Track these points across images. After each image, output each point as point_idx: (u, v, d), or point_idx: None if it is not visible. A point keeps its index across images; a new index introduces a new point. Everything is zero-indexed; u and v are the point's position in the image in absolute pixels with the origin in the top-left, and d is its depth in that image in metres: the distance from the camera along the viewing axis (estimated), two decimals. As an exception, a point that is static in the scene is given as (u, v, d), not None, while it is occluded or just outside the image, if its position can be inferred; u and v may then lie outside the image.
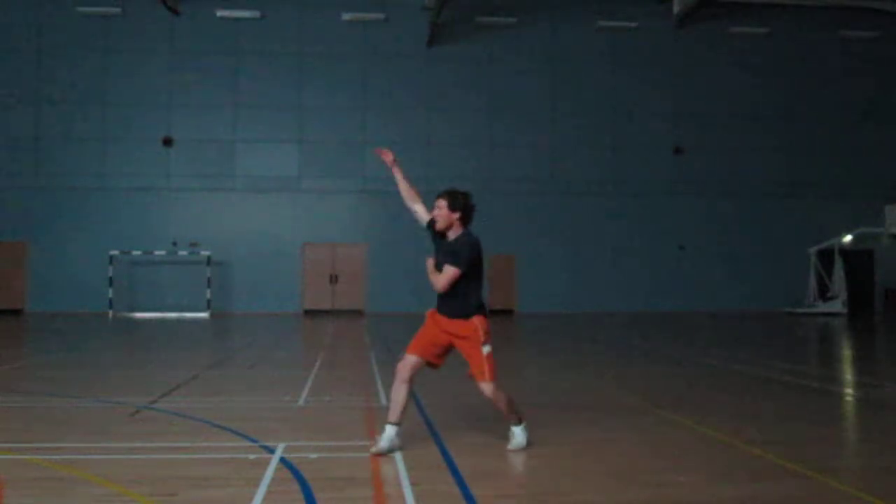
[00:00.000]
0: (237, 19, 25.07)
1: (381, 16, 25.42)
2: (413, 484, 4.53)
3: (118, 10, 24.65)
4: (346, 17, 25.33)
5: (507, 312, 25.46)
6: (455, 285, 5.22)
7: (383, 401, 7.57)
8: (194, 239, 24.24)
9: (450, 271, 5.19)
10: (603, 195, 26.23)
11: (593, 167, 26.25)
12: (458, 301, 5.25)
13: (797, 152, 27.13)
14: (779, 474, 4.83)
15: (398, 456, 5.18)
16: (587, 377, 9.57)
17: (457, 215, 5.30)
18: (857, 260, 26.42)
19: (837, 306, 24.48)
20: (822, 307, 24.53)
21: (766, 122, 27.10)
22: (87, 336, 16.22)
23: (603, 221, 26.10)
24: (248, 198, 24.97)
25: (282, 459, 5.05)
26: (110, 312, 22.95)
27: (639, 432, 6.07)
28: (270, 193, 25.05)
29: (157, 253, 23.82)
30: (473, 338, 5.19)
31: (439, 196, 5.38)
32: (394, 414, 5.24)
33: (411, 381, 5.28)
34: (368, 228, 25.26)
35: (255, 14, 25.03)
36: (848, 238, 25.09)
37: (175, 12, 24.62)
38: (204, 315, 23.38)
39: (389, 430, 5.22)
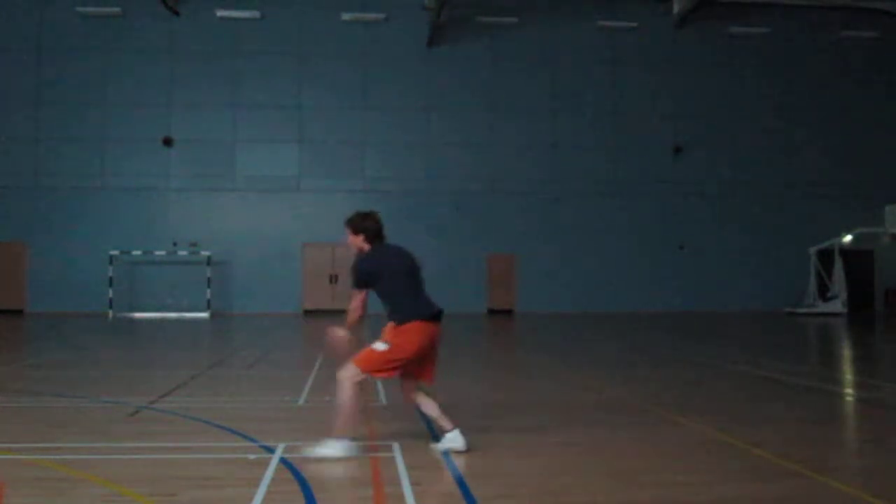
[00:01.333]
0: (237, 19, 25.06)
1: (381, 16, 25.42)
2: (413, 484, 4.52)
3: (118, 10, 24.64)
4: (346, 17, 25.34)
5: (507, 312, 25.46)
6: (384, 300, 5.29)
7: (383, 400, 7.58)
8: (194, 239, 24.23)
9: (353, 301, 5.29)
10: (603, 195, 26.23)
11: (593, 167, 26.25)
12: (392, 315, 5.30)
13: (797, 152, 27.13)
14: (779, 474, 4.83)
15: (398, 456, 5.18)
16: (587, 377, 9.56)
17: (360, 238, 5.35)
18: (857, 260, 26.41)
19: (837, 306, 24.47)
20: (822, 307, 24.52)
21: (766, 122, 27.11)
22: (87, 336, 16.21)
23: (603, 221, 26.09)
24: (248, 198, 24.97)
25: (282, 459, 5.04)
26: (110, 312, 22.95)
27: (639, 432, 6.06)
28: (270, 193, 25.04)
29: (157, 253, 23.81)
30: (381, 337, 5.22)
31: (345, 225, 5.43)
32: (445, 424, 5.32)
33: (419, 395, 5.43)
34: (368, 228, 25.23)
35: (255, 14, 25.03)
36: (848, 238, 25.08)
37: (175, 12, 24.62)
38: (204, 315, 23.37)
39: (449, 435, 5.29)
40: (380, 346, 5.17)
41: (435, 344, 5.37)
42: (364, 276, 5.25)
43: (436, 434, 5.93)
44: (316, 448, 5.08)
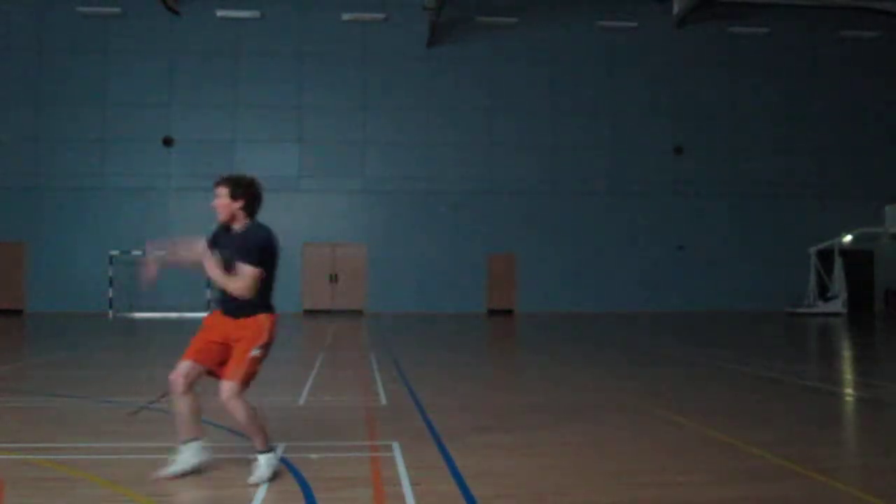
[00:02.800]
0: (237, 19, 25.06)
1: (381, 16, 25.42)
2: (413, 484, 4.53)
3: (118, 10, 24.64)
4: (346, 17, 25.33)
5: (507, 312, 25.46)
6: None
7: (383, 401, 7.58)
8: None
9: (249, 271, 4.50)
10: (603, 195, 26.23)
11: (593, 167, 26.25)
12: (245, 300, 4.56)
13: (797, 152, 27.12)
14: (779, 474, 4.83)
15: (398, 456, 5.19)
16: (587, 377, 9.57)
17: (239, 204, 4.63)
18: (857, 260, 26.42)
19: (837, 306, 24.47)
20: (822, 307, 24.53)
21: (766, 122, 27.10)
22: (87, 336, 16.21)
23: (603, 221, 26.09)
24: (247, 198, 24.91)
25: (282, 459, 5.05)
26: (110, 312, 22.94)
27: (639, 432, 6.07)
28: (270, 193, 24.67)
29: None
30: (249, 337, 4.53)
31: (218, 183, 4.68)
32: (184, 431, 4.62)
33: (191, 390, 4.61)
34: (368, 228, 25.26)
35: (255, 14, 25.03)
36: (848, 238, 25.09)
37: (175, 12, 24.62)
38: (204, 315, 23.36)
39: (186, 449, 4.60)
40: (256, 352, 4.52)
41: None
42: (268, 251, 4.57)
43: (436, 432, 5.94)
44: (255, 474, 4.50)
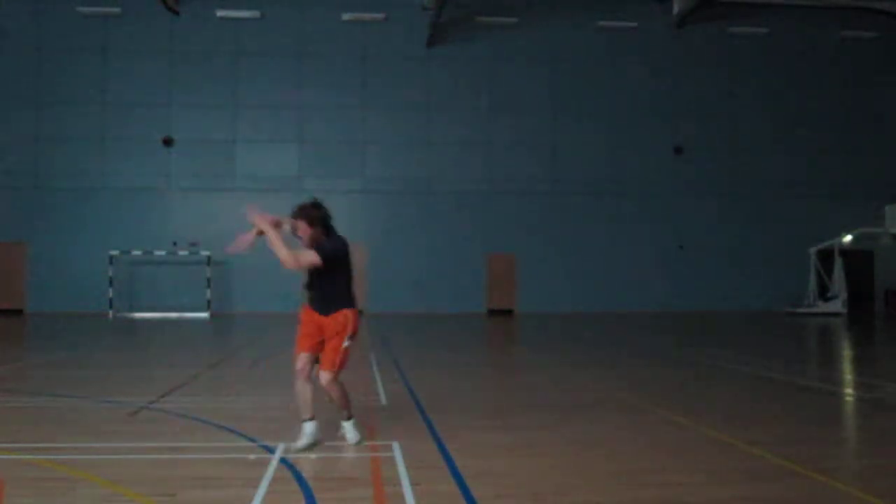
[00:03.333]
0: (237, 19, 25.06)
1: (380, 16, 25.42)
2: (413, 484, 4.53)
3: (118, 10, 24.63)
4: (346, 17, 25.34)
5: (507, 312, 25.47)
6: (324, 284, 5.47)
7: (383, 401, 7.58)
8: (194, 239, 24.23)
9: (308, 254, 5.37)
10: (603, 195, 26.23)
11: (593, 167, 26.25)
12: (328, 298, 5.49)
13: (797, 152, 27.13)
14: (779, 474, 4.83)
15: (398, 456, 5.19)
16: (587, 377, 9.57)
17: (319, 230, 5.53)
18: (857, 260, 26.42)
19: (837, 306, 24.47)
20: (822, 307, 24.53)
21: (766, 123, 27.10)
22: (87, 336, 16.21)
23: (603, 221, 26.10)
24: (248, 198, 24.82)
25: (282, 459, 5.05)
26: (110, 312, 22.94)
27: (639, 432, 6.07)
28: (270, 193, 25.00)
29: (157, 253, 23.80)
30: (339, 331, 5.43)
31: (294, 217, 5.58)
32: (308, 411, 5.45)
33: (310, 377, 5.50)
34: (368, 228, 25.25)
35: (255, 14, 25.03)
36: (848, 238, 25.08)
37: (175, 12, 24.62)
38: (204, 315, 23.37)
39: (309, 427, 5.43)
40: (347, 342, 5.44)
41: None
42: (335, 254, 5.41)
43: (436, 432, 5.94)
44: (348, 437, 5.56)
